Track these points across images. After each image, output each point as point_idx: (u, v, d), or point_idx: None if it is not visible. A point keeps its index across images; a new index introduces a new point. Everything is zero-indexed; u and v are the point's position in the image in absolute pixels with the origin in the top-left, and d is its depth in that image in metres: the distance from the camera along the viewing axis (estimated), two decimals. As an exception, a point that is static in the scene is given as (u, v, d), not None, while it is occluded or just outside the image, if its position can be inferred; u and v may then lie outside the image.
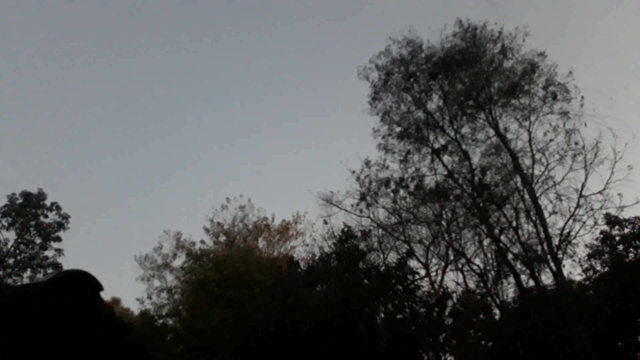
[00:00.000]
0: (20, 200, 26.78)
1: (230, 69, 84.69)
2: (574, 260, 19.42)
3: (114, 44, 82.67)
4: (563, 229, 18.11)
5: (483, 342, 22.89)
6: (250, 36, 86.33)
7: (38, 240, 26.71)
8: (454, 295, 21.84)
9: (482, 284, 21.76)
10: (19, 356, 6.98)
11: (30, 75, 75.46)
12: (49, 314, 7.09)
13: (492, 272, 21.63)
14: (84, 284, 6.97)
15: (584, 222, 18.27)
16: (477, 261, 22.15)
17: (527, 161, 19.85)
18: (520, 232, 19.29)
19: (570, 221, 18.12)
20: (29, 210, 26.69)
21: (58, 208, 27.56)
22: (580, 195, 18.15)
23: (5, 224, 26.19)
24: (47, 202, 27.45)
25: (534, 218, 18.82)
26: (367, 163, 23.14)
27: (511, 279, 20.28)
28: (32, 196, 26.99)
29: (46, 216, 27.28)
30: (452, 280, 24.23)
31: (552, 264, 17.76)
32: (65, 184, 75.56)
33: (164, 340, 25.62)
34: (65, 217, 27.57)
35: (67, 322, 7.21)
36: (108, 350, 7.79)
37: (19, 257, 26.03)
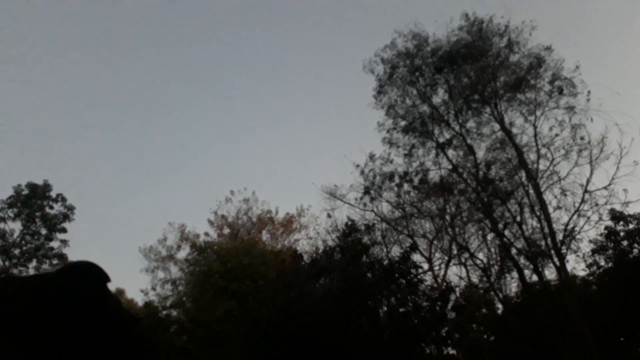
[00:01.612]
0: (25, 192, 26.85)
1: (234, 62, 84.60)
2: (577, 256, 19.40)
3: (120, 40, 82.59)
4: (567, 224, 18.12)
5: (485, 337, 22.94)
6: (255, 29, 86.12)
7: (44, 231, 26.79)
8: (457, 289, 21.96)
9: (485, 279, 21.81)
10: (27, 347, 7.07)
11: (36, 71, 75.54)
12: (57, 305, 7.15)
13: (496, 267, 21.68)
14: (91, 275, 7.01)
15: (589, 218, 18.30)
16: (480, 256, 22.21)
17: (532, 156, 19.85)
18: (524, 227, 19.31)
19: (575, 216, 18.15)
20: (34, 202, 26.77)
21: (63, 199, 27.63)
22: (585, 191, 18.12)
23: (11, 214, 26.27)
24: (53, 194, 27.54)
25: (538, 213, 18.81)
26: (372, 157, 23.15)
27: (514, 274, 20.32)
28: (37, 187, 27.06)
29: (52, 207, 27.33)
30: (455, 274, 24.38)
31: (555, 259, 17.77)
32: (70, 175, 75.84)
33: (168, 331, 25.82)
34: (71, 208, 27.64)
35: (75, 314, 7.28)
36: (115, 341, 7.88)
37: (24, 248, 26.14)
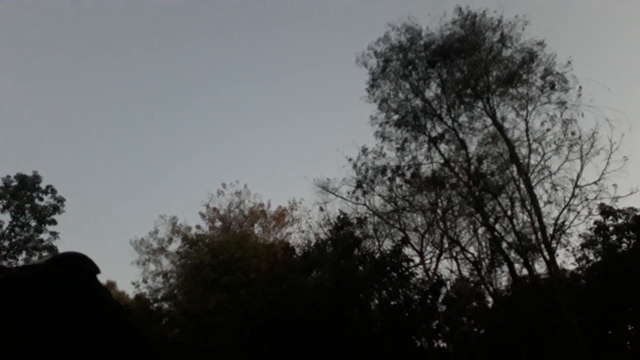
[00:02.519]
0: (15, 183, 26.54)
1: (225, 55, 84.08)
2: (567, 250, 19.63)
3: (114, 38, 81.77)
4: (557, 219, 18.24)
5: (476, 330, 23.14)
6: (245, 22, 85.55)
7: (33, 223, 26.53)
8: (448, 282, 22.10)
9: (475, 272, 21.94)
10: (15, 338, 7.00)
11: (29, 64, 74.66)
12: (46, 297, 7.08)
13: (486, 261, 21.80)
14: (81, 267, 6.93)
15: (579, 212, 18.43)
16: (471, 249, 22.34)
17: (524, 151, 19.93)
18: (515, 221, 19.40)
19: (565, 211, 18.27)
20: (24, 193, 26.48)
21: (53, 191, 27.36)
22: (576, 186, 18.24)
23: (0, 206, 26.01)
24: (42, 185, 27.27)
25: (529, 207, 18.91)
26: (364, 151, 23.16)
27: (505, 268, 20.46)
28: (27, 179, 26.77)
29: (41, 199, 27.06)
30: (446, 268, 24.52)
31: (545, 253, 17.89)
32: (60, 167, 75.26)
33: (159, 324, 25.77)
34: (61, 200, 27.39)
35: (64, 305, 7.21)
36: (105, 333, 7.82)
37: (14, 240, 25.87)
